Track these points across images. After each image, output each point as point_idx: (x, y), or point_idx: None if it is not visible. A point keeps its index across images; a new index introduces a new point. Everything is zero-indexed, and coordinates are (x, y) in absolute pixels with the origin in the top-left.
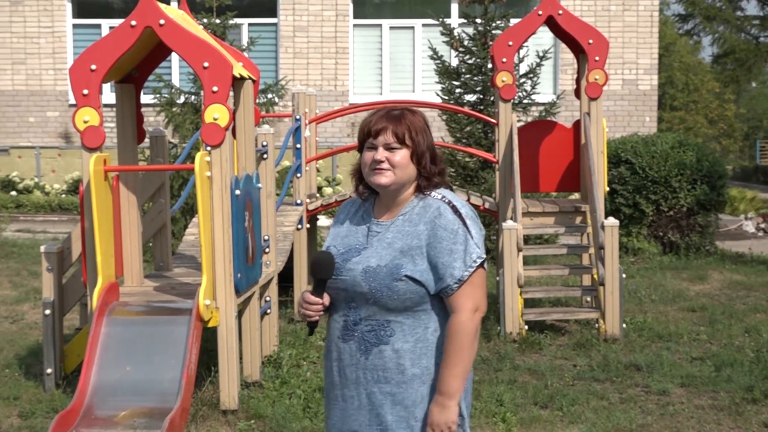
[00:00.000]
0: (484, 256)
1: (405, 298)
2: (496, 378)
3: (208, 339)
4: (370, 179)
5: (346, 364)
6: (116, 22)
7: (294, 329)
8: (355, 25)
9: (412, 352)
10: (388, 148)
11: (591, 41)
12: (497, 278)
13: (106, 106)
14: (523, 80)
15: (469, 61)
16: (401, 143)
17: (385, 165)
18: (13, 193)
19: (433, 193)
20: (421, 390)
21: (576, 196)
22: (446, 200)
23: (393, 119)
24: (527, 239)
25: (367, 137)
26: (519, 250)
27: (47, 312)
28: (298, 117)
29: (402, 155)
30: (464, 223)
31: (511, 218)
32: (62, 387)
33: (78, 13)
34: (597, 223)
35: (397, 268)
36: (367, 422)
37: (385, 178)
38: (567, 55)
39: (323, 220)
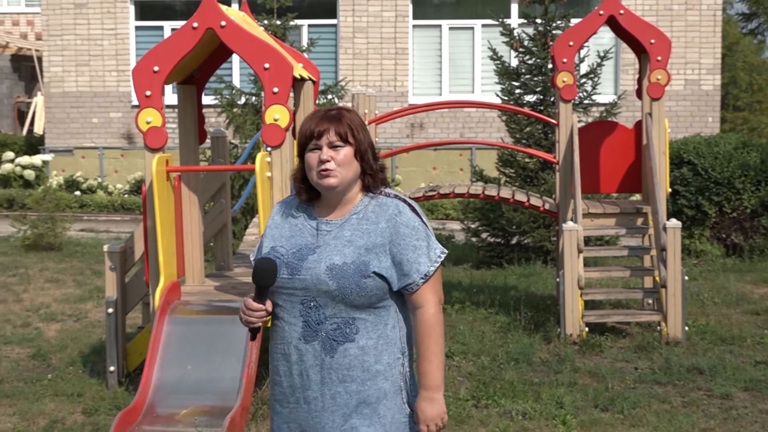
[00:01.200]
0: (446, 251)
1: (371, 295)
2: (556, 380)
3: (268, 339)
4: (318, 182)
5: (309, 366)
6: (178, 23)
7: None
8: (414, 26)
9: (375, 349)
10: (332, 146)
11: (653, 41)
12: (557, 279)
13: (168, 107)
14: (583, 80)
15: (529, 62)
16: (344, 141)
17: (331, 165)
18: (77, 193)
19: (383, 192)
20: (384, 386)
21: (637, 197)
22: (401, 198)
23: (333, 119)
24: (587, 240)
25: (309, 140)
26: (579, 251)
27: (110, 310)
28: None
29: (345, 153)
30: (422, 220)
31: (572, 219)
32: (125, 385)
33: (140, 15)
34: (659, 224)
35: (365, 265)
36: (332, 423)
37: (333, 180)
38: (628, 55)
39: None
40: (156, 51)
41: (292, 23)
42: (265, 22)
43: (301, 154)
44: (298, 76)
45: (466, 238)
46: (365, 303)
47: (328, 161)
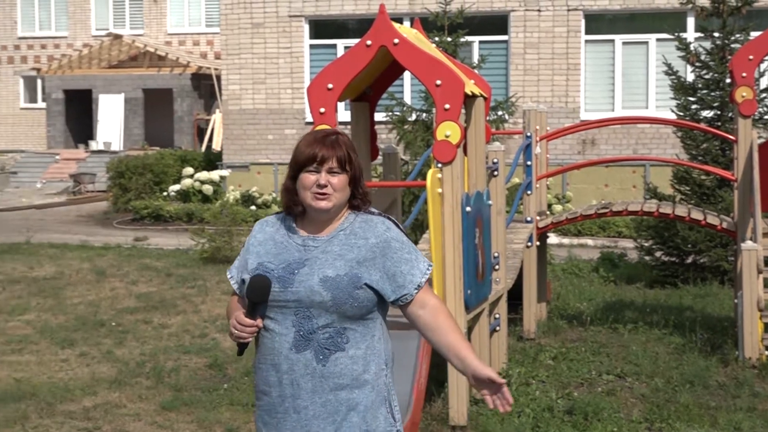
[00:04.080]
0: (432, 263)
1: (362, 306)
2: (734, 405)
3: (438, 354)
4: (311, 203)
5: (300, 375)
6: (351, 42)
7: (523, 347)
8: (587, 41)
9: (363, 359)
10: (331, 172)
11: None
12: (735, 301)
13: (341, 123)
14: (763, 95)
15: (706, 76)
16: (342, 169)
17: (329, 189)
18: (253, 207)
19: (369, 211)
20: (371, 395)
21: None
22: (385, 216)
23: (334, 146)
24: None
25: (310, 163)
26: (759, 272)
27: None
28: (528, 134)
29: (341, 179)
30: (405, 235)
31: (751, 239)
32: None
33: (315, 33)
34: None
35: (357, 277)
36: (322, 429)
37: (327, 203)
38: None
39: (553, 238)
40: (330, 69)
41: (463, 39)
42: (437, 38)
43: (295, 172)
44: (470, 93)
45: (639, 257)
46: (357, 314)
47: (326, 186)
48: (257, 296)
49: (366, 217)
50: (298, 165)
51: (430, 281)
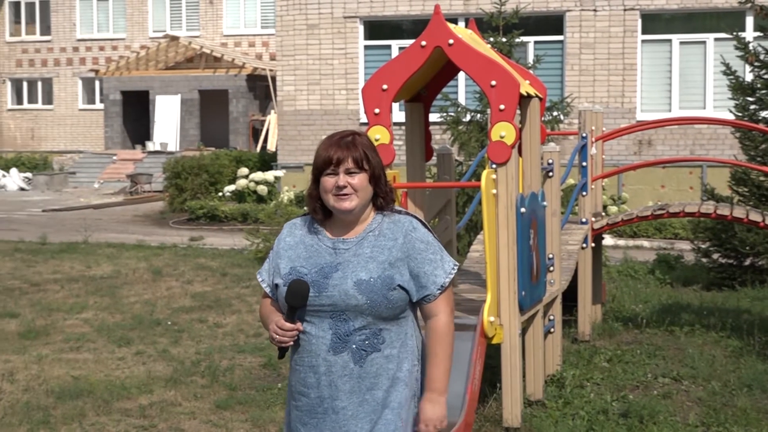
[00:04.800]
0: (457, 264)
1: (397, 306)
2: None
3: (492, 356)
4: (334, 205)
5: (338, 376)
6: (405, 42)
7: (578, 349)
8: (643, 41)
9: (398, 358)
10: (349, 172)
11: None
12: None
13: (395, 124)
14: None
15: (765, 76)
16: (360, 168)
17: (348, 189)
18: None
19: (394, 210)
20: (405, 392)
21: None
22: (412, 215)
23: (349, 147)
24: None
25: (327, 166)
26: None
27: None
28: (584, 134)
29: (361, 178)
30: (433, 235)
31: None
32: None
33: (369, 34)
34: None
35: (390, 279)
36: (359, 428)
37: (349, 203)
38: None
39: (608, 239)
40: (385, 69)
41: (518, 40)
42: (492, 39)
43: (317, 176)
44: (525, 93)
45: (695, 259)
46: (391, 315)
47: (345, 186)
48: (297, 301)
49: (394, 218)
50: (318, 169)
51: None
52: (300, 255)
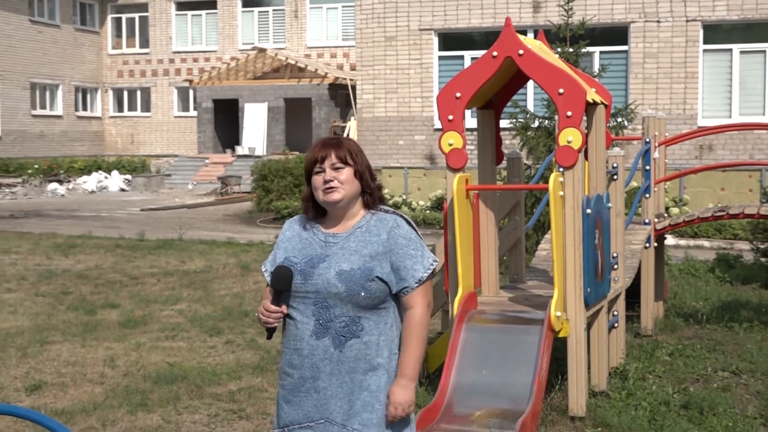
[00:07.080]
0: (437, 259)
1: (374, 297)
2: None
3: (558, 348)
4: (323, 198)
5: (319, 359)
6: (477, 53)
7: (640, 343)
8: (705, 51)
9: (377, 345)
10: (334, 168)
11: None
12: None
13: (468, 130)
14: None
15: None
16: (344, 163)
17: (335, 183)
18: None
19: (382, 209)
20: (384, 377)
21: None
22: (398, 214)
23: (333, 145)
24: None
25: (314, 164)
26: None
27: None
28: (647, 140)
29: (346, 173)
30: (416, 233)
31: None
32: (425, 385)
33: (443, 45)
34: None
35: (370, 270)
36: (339, 407)
37: (336, 194)
38: None
39: (670, 239)
40: (458, 78)
41: (584, 50)
42: (559, 49)
43: (308, 179)
44: (591, 101)
45: (754, 258)
46: (369, 304)
47: (332, 180)
48: (280, 285)
49: (380, 216)
50: (308, 171)
51: (432, 276)
52: (295, 246)
